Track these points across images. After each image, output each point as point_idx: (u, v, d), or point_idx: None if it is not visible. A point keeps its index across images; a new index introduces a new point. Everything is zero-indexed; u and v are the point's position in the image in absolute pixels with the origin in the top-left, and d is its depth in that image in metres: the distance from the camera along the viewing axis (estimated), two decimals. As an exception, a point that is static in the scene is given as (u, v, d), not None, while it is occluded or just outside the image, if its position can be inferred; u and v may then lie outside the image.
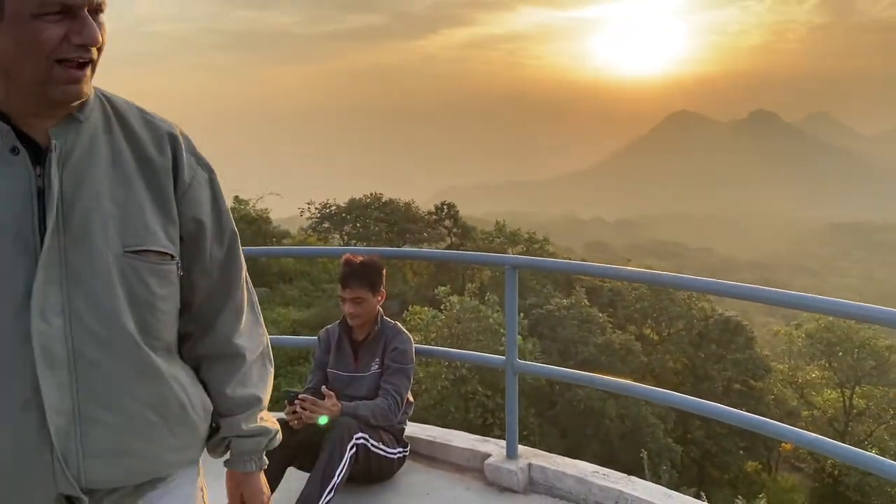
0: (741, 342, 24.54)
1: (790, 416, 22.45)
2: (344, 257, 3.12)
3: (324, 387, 2.94)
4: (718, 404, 2.72)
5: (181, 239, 1.20)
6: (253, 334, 1.34)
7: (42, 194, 1.07)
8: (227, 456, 1.36)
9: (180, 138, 1.22)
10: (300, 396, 2.81)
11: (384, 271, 3.14)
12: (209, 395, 1.29)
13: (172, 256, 1.17)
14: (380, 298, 3.12)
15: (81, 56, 1.06)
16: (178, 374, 1.22)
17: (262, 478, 1.38)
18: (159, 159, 1.17)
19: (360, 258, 3.10)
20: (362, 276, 3.05)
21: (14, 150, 1.07)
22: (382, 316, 3.18)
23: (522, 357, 14.07)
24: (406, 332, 3.18)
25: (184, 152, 1.21)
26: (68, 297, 1.07)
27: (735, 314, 26.79)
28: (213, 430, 1.32)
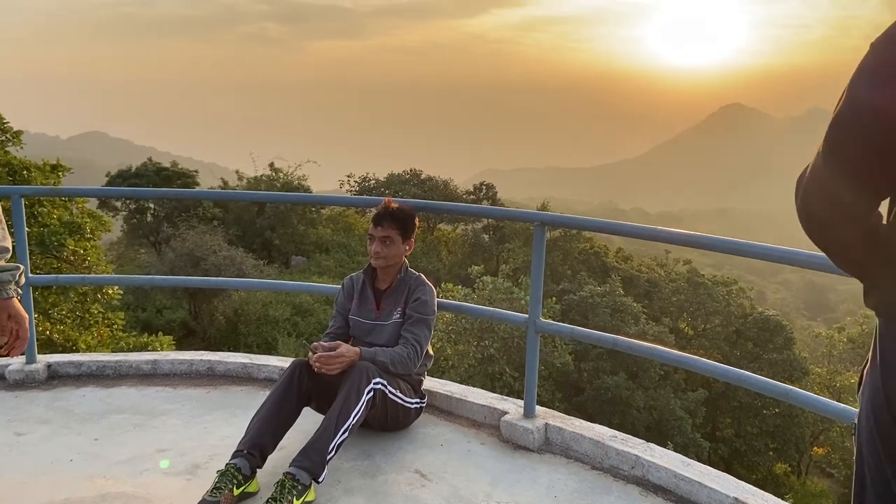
0: (779, 342, 23.92)
1: (824, 421, 21.89)
2: (384, 200, 3.14)
3: (326, 340, 2.93)
4: (743, 370, 2.64)
5: None
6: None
7: None
8: None
9: None
10: (315, 353, 2.82)
11: (416, 223, 3.15)
12: None
13: None
14: (408, 248, 3.11)
15: None
16: None
17: (18, 303, 1.83)
18: None
19: (397, 204, 3.13)
20: (396, 217, 3.06)
21: None
22: (407, 266, 3.17)
23: (552, 339, 13.86)
24: (429, 283, 3.16)
25: None
26: None
27: (775, 313, 26.14)
28: None
